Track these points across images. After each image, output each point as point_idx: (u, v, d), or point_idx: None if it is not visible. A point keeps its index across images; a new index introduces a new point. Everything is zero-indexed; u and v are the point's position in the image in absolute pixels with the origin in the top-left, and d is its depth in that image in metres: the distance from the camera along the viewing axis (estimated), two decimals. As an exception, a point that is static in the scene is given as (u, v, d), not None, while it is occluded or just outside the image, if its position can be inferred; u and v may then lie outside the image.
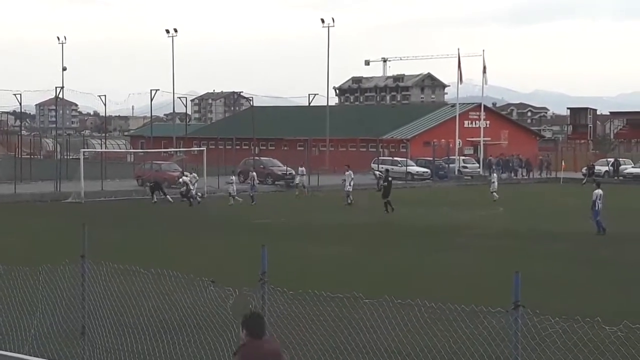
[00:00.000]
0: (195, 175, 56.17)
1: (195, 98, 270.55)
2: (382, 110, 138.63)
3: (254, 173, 55.99)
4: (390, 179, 50.58)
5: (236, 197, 53.42)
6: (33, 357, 12.79)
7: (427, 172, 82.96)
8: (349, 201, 52.35)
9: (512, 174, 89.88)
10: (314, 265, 27.44)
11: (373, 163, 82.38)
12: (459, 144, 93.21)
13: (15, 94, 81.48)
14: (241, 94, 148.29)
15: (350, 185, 54.14)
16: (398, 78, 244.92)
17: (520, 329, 10.27)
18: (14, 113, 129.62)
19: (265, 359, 8.78)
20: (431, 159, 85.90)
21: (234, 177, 55.74)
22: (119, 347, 15.02)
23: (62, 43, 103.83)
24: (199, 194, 54.54)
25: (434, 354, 14.61)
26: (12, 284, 16.70)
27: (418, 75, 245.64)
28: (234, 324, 14.27)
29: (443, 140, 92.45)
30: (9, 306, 16.62)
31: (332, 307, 15.47)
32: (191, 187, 53.26)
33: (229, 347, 14.08)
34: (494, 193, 55.68)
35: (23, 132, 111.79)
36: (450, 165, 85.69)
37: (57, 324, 16.12)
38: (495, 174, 61.53)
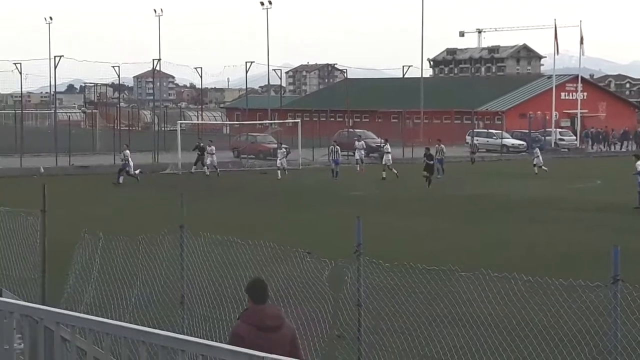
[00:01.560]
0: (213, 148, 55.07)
1: (290, 70, 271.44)
2: (477, 81, 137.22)
3: (337, 147, 54.44)
4: (432, 159, 47.87)
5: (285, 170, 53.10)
6: (134, 325, 13.10)
7: (522, 144, 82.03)
8: (439, 175, 52.05)
9: (607, 146, 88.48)
10: (407, 237, 27.43)
11: (468, 135, 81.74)
12: (556, 116, 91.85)
13: (113, 66, 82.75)
14: (335, 66, 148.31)
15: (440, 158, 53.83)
16: (493, 49, 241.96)
17: (619, 304, 10.15)
18: (112, 85, 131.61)
19: (265, 321, 9.11)
20: (527, 131, 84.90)
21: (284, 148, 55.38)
22: (217, 316, 15.24)
23: (159, 15, 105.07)
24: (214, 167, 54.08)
25: (530, 327, 14.52)
26: (112, 253, 17.04)
27: (513, 46, 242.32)
28: (330, 295, 14.38)
29: (539, 112, 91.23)
30: (110, 275, 16.98)
31: (428, 280, 15.45)
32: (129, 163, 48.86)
33: (325, 319, 14.21)
34: (541, 167, 54.49)
35: (121, 104, 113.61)
36: (547, 137, 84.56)
37: (157, 293, 16.43)
38: (537, 149, 59.17)
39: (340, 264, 13.67)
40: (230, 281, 16.56)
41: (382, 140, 59.67)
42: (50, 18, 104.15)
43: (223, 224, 27.72)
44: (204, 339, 8.45)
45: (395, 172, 50.91)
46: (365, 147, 58.36)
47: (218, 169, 53.71)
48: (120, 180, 46.61)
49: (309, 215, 33.92)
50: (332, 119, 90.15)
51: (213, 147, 54.58)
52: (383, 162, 52.66)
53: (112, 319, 14.17)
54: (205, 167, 54.15)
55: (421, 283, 15.55)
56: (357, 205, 35.28)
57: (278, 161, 53.48)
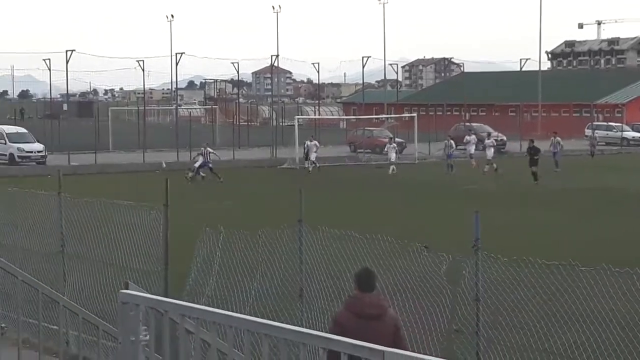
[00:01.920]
0: (316, 143, 55.25)
1: (406, 65, 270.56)
2: (596, 74, 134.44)
3: (451, 141, 53.97)
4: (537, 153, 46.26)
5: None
6: (256, 317, 13.30)
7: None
8: (557, 168, 51.20)
9: None
10: (525, 231, 27.14)
11: (587, 128, 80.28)
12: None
13: (233, 63, 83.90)
14: (452, 59, 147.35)
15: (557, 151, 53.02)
16: (613, 41, 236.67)
17: None
18: (231, 81, 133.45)
19: (365, 309, 9.17)
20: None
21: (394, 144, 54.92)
22: (335, 309, 15.36)
23: (277, 12, 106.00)
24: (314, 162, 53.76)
25: (654, 325, 14.25)
26: (232, 246, 17.31)
27: (634, 38, 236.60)
28: (448, 289, 14.36)
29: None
30: (230, 269, 17.25)
31: (547, 274, 15.28)
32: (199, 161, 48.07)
33: (443, 313, 14.19)
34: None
35: (240, 99, 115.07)
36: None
37: (276, 286, 16.64)
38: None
39: (458, 259, 13.64)
40: (348, 275, 16.64)
41: (486, 134, 58.98)
42: (172, 16, 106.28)
43: (340, 218, 27.88)
44: (322, 332, 8.56)
45: (495, 167, 50.55)
46: (476, 141, 57.66)
47: (317, 164, 53.88)
48: (201, 174, 46.96)
49: (425, 209, 33.84)
50: (448, 113, 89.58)
51: (315, 142, 54.80)
52: (487, 157, 52.32)
53: (233, 312, 14.45)
54: (307, 163, 54.75)
55: (540, 278, 15.39)
56: (472, 199, 35.04)
57: (389, 156, 53.32)
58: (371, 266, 17.40)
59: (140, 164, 54.07)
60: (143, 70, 73.13)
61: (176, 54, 72.81)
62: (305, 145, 55.53)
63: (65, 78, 66.18)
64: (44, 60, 67.78)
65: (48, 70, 67.61)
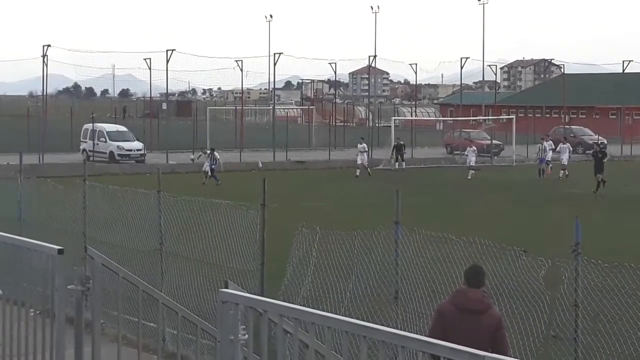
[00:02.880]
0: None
1: (505, 66, 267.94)
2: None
3: (546, 144, 52.79)
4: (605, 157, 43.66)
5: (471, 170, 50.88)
6: (354, 319, 13.29)
7: None
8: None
9: None
10: (626, 237, 26.61)
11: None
12: None
13: (330, 63, 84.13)
14: (552, 61, 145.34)
15: None
16: None
17: None
18: (328, 81, 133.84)
19: (467, 304, 9.54)
20: None
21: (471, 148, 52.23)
22: (430, 312, 15.25)
23: (375, 12, 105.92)
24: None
25: None
26: (328, 247, 17.33)
27: None
28: (546, 294, 14.14)
29: None
30: (326, 269, 17.28)
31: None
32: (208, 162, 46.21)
33: (541, 318, 13.99)
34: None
35: (337, 100, 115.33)
36: None
37: (371, 287, 16.59)
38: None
39: (558, 263, 13.42)
40: (444, 277, 16.52)
41: (562, 139, 57.29)
42: (271, 16, 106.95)
43: (436, 220, 27.72)
44: (418, 334, 8.51)
45: (567, 173, 49.62)
46: (552, 147, 55.63)
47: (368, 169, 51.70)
48: (217, 180, 45.19)
49: (522, 212, 33.42)
50: (547, 116, 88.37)
51: (364, 145, 53.17)
52: (562, 162, 51.13)
53: (328, 312, 14.47)
54: (397, 164, 54.55)
55: (642, 285, 15.05)
56: (569, 203, 34.50)
57: (468, 160, 51.67)
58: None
59: (237, 164, 54.55)
60: (241, 70, 73.72)
61: (274, 54, 73.18)
62: (393, 147, 55.63)
63: (165, 77, 67.07)
64: (144, 59, 68.81)
65: (148, 70, 68.63)
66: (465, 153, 52.46)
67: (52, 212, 22.19)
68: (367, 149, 53.33)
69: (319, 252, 17.13)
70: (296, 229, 17.18)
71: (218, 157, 47.57)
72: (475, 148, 52.92)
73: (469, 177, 48.80)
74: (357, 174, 49.86)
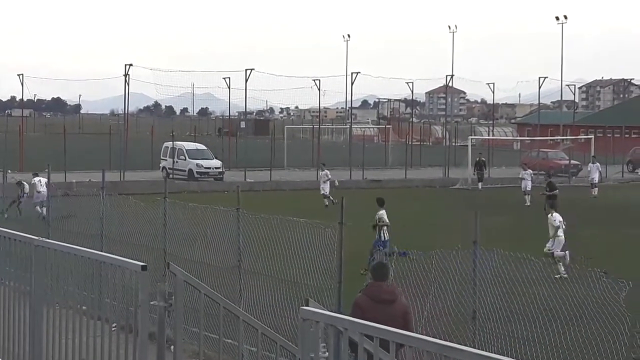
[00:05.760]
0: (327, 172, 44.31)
1: (583, 85, 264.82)
2: None
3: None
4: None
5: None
6: (426, 336, 13.27)
7: None
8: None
9: None
10: None
11: None
12: None
13: (407, 83, 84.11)
14: (631, 81, 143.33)
15: None
16: None
17: None
18: (405, 101, 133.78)
19: (381, 295, 11.02)
20: None
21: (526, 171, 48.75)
22: (508, 333, 15.20)
23: (453, 32, 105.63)
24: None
25: None
26: (406, 267, 17.33)
27: None
28: (627, 316, 13.97)
29: None
30: (403, 288, 17.25)
31: None
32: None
33: (621, 341, 13.82)
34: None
35: (413, 119, 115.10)
36: None
37: (449, 307, 16.55)
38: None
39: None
40: (523, 298, 16.43)
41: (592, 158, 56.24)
42: (348, 35, 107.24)
43: (514, 240, 27.49)
44: (497, 354, 8.50)
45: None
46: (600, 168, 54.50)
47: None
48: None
49: (601, 233, 32.99)
50: (627, 136, 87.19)
51: (327, 172, 47.47)
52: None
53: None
54: (480, 183, 54.19)
55: None
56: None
57: (524, 185, 47.49)
58: (547, 290, 17.14)
59: (313, 182, 54.69)
60: (319, 89, 74.16)
61: (351, 73, 73.54)
62: (475, 165, 55.30)
63: (244, 96, 67.75)
64: (223, 78, 69.64)
65: (227, 89, 69.37)
66: (521, 176, 49.10)
67: (133, 229, 22.54)
68: (329, 177, 46.58)
69: (396, 271, 17.13)
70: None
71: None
72: (531, 171, 50.18)
73: (527, 204, 45.80)
74: (326, 203, 43.04)
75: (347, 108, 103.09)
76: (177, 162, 57.92)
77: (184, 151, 58.72)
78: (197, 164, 57.38)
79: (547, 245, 25.27)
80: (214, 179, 56.49)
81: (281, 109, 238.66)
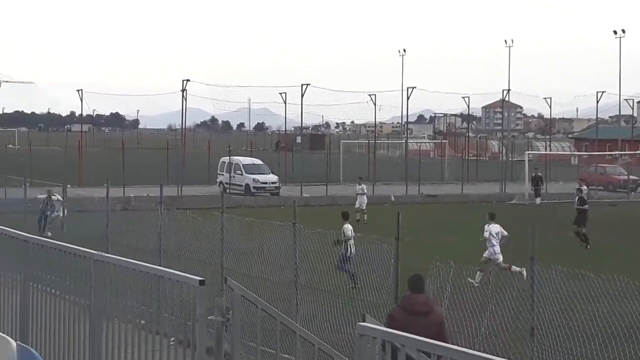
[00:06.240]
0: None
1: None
2: None
3: None
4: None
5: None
6: (483, 353, 13.18)
7: None
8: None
9: None
10: None
11: None
12: None
13: (463, 97, 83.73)
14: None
15: None
16: None
17: None
18: (461, 115, 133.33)
19: (415, 306, 11.22)
20: None
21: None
22: (567, 350, 15.05)
23: (509, 46, 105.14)
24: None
25: None
26: (462, 282, 17.26)
27: None
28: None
29: None
30: (460, 304, 17.19)
31: None
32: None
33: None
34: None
35: (470, 133, 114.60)
36: None
37: (506, 323, 16.44)
38: None
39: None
40: (582, 315, 16.26)
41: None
42: (404, 50, 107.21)
43: (573, 256, 27.23)
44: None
45: None
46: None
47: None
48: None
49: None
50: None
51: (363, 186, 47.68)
52: None
53: (463, 347, 14.38)
54: (538, 199, 53.72)
55: None
56: None
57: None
58: (605, 307, 16.95)
59: (369, 197, 54.66)
60: (374, 104, 74.12)
61: (407, 88, 73.39)
62: (532, 180, 54.94)
63: (300, 111, 67.93)
64: (280, 93, 69.87)
65: (283, 104, 69.62)
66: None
67: (191, 243, 22.70)
68: (365, 191, 46.78)
69: (453, 287, 17.06)
70: (430, 263, 17.16)
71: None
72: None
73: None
74: (358, 218, 42.83)
75: (403, 123, 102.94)
76: (234, 177, 58.22)
77: (241, 166, 59.01)
78: (253, 179, 57.63)
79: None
80: (270, 193, 56.69)
81: (337, 123, 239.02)
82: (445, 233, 37.23)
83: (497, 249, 24.99)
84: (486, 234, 25.59)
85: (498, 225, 26.07)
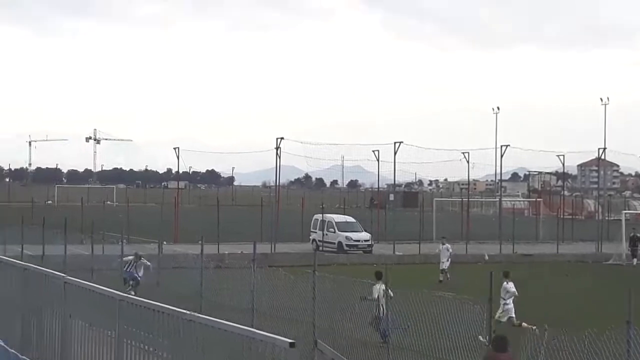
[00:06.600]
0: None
1: None
2: None
3: None
4: None
5: None
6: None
7: None
8: None
9: None
10: None
11: None
12: None
13: (558, 155, 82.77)
14: None
15: None
16: None
17: None
18: (556, 173, 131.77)
19: None
20: None
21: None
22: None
23: (605, 104, 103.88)
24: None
25: None
26: (557, 345, 16.98)
27: None
28: None
29: None
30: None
31: None
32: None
33: None
34: None
35: (565, 192, 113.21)
36: None
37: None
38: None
39: None
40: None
41: None
42: (498, 108, 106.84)
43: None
44: None
45: None
46: None
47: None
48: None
49: None
50: None
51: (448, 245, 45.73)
52: None
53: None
54: (635, 259, 52.57)
55: None
56: None
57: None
58: None
59: (462, 255, 54.28)
60: (468, 162, 73.76)
61: (501, 146, 72.89)
62: (630, 240, 53.87)
63: (393, 169, 67.97)
64: (372, 151, 70.05)
65: (376, 161, 69.79)
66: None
67: (283, 301, 22.82)
68: (450, 251, 45.12)
69: (547, 350, 16.82)
70: (523, 323, 16.96)
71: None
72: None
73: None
74: (440, 278, 42.38)
75: (497, 181, 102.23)
76: (326, 234, 58.38)
77: (334, 224, 59.18)
78: (346, 237, 57.70)
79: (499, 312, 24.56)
80: (363, 251, 56.63)
81: (430, 181, 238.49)
82: (539, 294, 36.68)
83: (511, 306, 24.87)
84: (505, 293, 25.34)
85: (512, 284, 25.95)
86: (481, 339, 19.61)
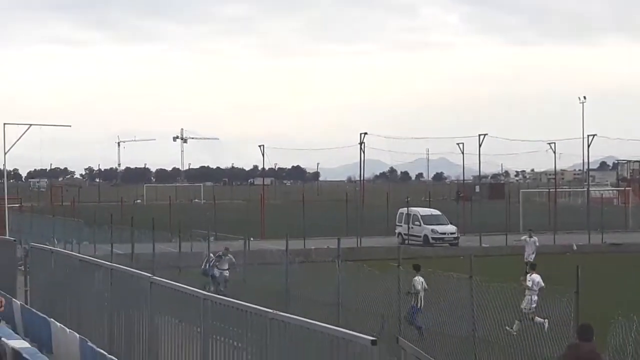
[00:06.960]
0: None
1: None
2: None
3: None
4: None
5: None
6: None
7: None
8: None
9: None
10: None
11: None
12: None
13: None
14: None
15: None
16: None
17: None
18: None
19: (581, 355, 11.93)
20: None
21: None
22: None
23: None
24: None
25: None
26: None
27: None
28: None
29: None
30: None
31: None
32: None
33: None
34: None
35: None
36: None
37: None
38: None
39: None
40: None
41: None
42: (584, 97, 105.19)
43: None
44: None
45: None
46: None
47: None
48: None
49: None
50: None
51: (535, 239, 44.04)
52: None
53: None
54: None
55: None
56: None
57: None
58: None
59: (550, 246, 53.63)
60: (554, 152, 73.04)
61: (588, 135, 72.00)
62: None
63: (478, 161, 67.56)
64: (457, 144, 69.86)
65: (461, 154, 69.44)
66: None
67: (368, 296, 22.85)
68: (537, 244, 43.09)
69: (637, 342, 16.55)
70: (611, 316, 16.72)
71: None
72: None
73: None
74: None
75: (585, 170, 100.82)
76: (412, 227, 58.22)
77: (419, 217, 58.99)
78: (432, 230, 57.48)
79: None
80: (449, 244, 56.38)
81: (516, 172, 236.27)
82: (629, 284, 36.09)
83: (535, 298, 23.95)
84: (529, 283, 24.41)
85: (538, 276, 24.95)
86: (508, 328, 19.43)
